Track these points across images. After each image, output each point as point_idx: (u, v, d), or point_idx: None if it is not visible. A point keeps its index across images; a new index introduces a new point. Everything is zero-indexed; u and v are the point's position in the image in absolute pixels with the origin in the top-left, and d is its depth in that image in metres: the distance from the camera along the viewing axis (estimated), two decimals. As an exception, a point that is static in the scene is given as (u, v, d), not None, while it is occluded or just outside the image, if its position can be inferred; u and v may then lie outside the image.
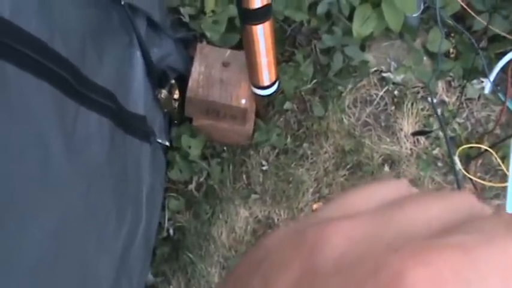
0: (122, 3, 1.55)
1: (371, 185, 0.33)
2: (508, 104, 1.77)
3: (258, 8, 1.52)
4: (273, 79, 1.80)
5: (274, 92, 1.85)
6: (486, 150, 1.81)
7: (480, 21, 1.91)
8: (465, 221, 0.28)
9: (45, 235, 1.09)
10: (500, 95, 1.91)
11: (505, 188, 1.51)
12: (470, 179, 1.86)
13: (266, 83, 1.79)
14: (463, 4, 1.90)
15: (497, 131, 1.95)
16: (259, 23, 1.58)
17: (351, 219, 0.28)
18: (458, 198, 0.30)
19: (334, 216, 0.29)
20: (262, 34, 1.62)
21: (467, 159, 1.94)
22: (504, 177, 1.84)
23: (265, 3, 1.52)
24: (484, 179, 1.91)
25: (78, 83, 1.21)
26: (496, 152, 1.80)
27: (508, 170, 1.59)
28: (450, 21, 1.98)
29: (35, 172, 1.05)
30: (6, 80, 0.93)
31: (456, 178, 1.73)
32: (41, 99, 1.06)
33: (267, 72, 1.75)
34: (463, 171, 1.89)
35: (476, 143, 1.92)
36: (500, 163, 1.82)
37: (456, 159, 1.89)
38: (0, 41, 0.92)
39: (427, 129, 1.98)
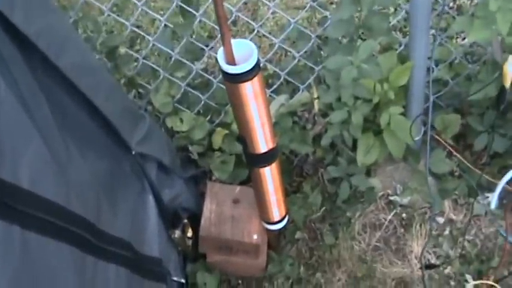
0: (133, 152, 1.61)
1: None
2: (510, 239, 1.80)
3: (264, 153, 1.58)
4: (283, 214, 1.84)
5: (284, 226, 1.89)
6: (492, 286, 1.84)
7: (480, 141, 1.97)
8: None
9: None
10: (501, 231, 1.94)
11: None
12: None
13: (276, 218, 1.83)
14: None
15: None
16: (267, 166, 1.64)
17: None
18: None
19: None
20: (270, 175, 1.67)
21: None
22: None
23: (270, 147, 1.58)
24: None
25: (95, 239, 1.25)
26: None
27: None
28: (451, 142, 2.04)
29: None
30: (28, 247, 0.95)
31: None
32: (60, 259, 1.09)
33: (276, 209, 1.79)
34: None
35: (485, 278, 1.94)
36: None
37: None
38: (21, 210, 0.96)
39: (438, 263, 2.00)
